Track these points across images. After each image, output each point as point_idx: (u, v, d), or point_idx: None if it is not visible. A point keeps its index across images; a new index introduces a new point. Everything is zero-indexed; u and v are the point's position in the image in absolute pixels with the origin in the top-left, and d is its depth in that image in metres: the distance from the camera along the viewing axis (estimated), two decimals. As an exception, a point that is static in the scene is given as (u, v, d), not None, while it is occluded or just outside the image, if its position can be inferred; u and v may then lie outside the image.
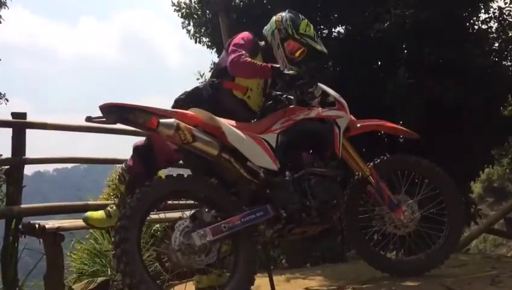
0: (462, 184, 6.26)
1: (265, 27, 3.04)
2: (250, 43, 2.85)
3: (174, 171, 2.74)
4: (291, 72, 2.73)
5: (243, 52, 2.74)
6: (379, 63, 6.59)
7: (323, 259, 7.02)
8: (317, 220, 2.67)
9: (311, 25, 3.03)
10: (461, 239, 5.83)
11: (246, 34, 2.90)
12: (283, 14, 3.02)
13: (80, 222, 3.74)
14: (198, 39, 7.58)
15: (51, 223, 3.43)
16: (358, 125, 3.04)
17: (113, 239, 2.19)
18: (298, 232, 2.74)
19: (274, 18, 3.02)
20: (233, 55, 2.74)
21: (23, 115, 4.04)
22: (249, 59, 2.72)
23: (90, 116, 2.30)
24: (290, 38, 2.94)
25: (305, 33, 2.96)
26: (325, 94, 2.97)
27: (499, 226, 9.72)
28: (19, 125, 3.97)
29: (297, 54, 2.99)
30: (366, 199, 3.10)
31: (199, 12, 7.36)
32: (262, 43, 2.99)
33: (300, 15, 3.03)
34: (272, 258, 7.60)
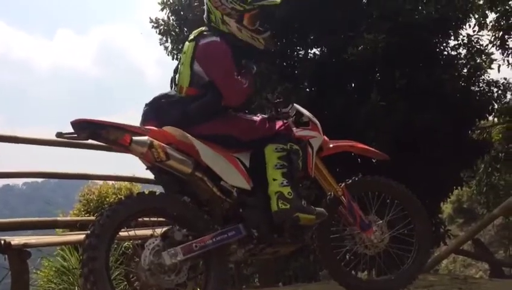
0: (432, 205, 6.40)
1: (211, 18, 2.71)
2: (232, 56, 2.63)
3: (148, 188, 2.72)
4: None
5: (242, 80, 2.63)
6: (353, 85, 6.74)
7: (296, 278, 7.02)
8: (288, 241, 2.68)
9: None
10: (430, 259, 5.92)
11: (223, 48, 2.62)
12: None
13: (47, 239, 3.66)
14: (175, 56, 7.60)
15: (17, 239, 3.33)
16: (331, 145, 3.08)
17: (81, 257, 2.15)
18: (270, 252, 2.74)
19: (211, 7, 2.70)
20: (234, 87, 2.58)
21: (-8, 128, 3.95)
22: (246, 88, 2.65)
23: (61, 132, 2.26)
24: (244, 14, 2.68)
25: None
26: (299, 114, 2.99)
27: (468, 247, 9.91)
28: (-12, 138, 3.89)
29: (256, 23, 2.74)
30: (337, 219, 3.13)
31: (177, 30, 7.40)
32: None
33: None
34: (244, 277, 7.55)
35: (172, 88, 2.81)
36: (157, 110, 2.60)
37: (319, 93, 6.37)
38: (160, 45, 7.60)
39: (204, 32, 2.72)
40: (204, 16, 2.80)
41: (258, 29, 2.75)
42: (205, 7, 2.77)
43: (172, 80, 2.83)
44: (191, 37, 2.77)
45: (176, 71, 2.83)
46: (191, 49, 2.68)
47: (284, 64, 6.97)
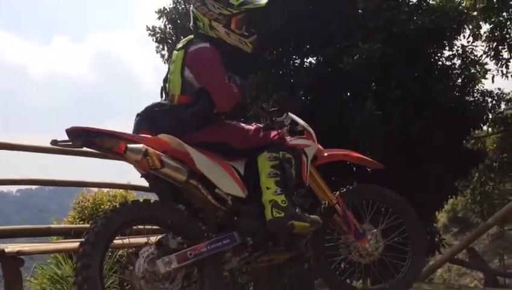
0: (427, 214, 6.41)
1: (198, 25, 2.73)
2: (222, 62, 2.67)
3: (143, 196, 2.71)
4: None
5: (232, 85, 2.66)
6: (348, 94, 6.78)
7: (291, 287, 7.00)
8: (283, 249, 2.69)
9: None
10: (425, 268, 5.93)
11: (213, 53, 2.65)
12: (198, 3, 2.73)
13: (41, 246, 3.64)
14: (172, 64, 7.61)
15: (10, 247, 3.31)
16: (326, 154, 3.09)
17: (75, 265, 2.14)
18: (265, 260, 2.74)
19: (198, 14, 2.72)
20: (226, 90, 2.61)
21: (-13, 135, 3.95)
22: (237, 92, 2.69)
23: (56, 140, 2.26)
24: (231, 18, 2.70)
25: (239, 2, 2.70)
26: (294, 123, 3.01)
27: (463, 256, 9.93)
28: (-17, 145, 3.88)
29: (243, 27, 2.76)
30: (332, 228, 3.13)
31: (174, 38, 7.44)
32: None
33: None
34: (239, 285, 7.52)
35: (163, 98, 2.82)
36: (151, 119, 2.61)
37: (315, 101, 6.40)
38: (157, 52, 7.65)
39: (194, 40, 2.75)
40: (191, 24, 2.83)
41: (244, 34, 2.77)
42: (191, 15, 2.80)
43: (162, 89, 2.84)
44: (180, 45, 2.80)
45: (165, 81, 2.83)
46: (180, 57, 2.70)
47: (280, 72, 7.01)
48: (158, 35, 7.51)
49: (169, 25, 7.49)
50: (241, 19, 2.74)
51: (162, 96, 2.83)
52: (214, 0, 2.70)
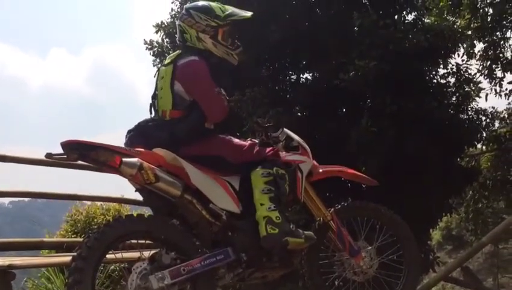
0: (421, 232, 6.40)
1: (186, 38, 2.77)
2: (211, 73, 2.68)
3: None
4: None
5: (222, 97, 2.69)
6: (344, 110, 6.81)
7: (285, 304, 6.91)
8: (277, 265, 2.67)
9: (217, 3, 2.85)
10: (419, 287, 5.90)
11: (202, 65, 2.66)
12: (185, 16, 2.78)
13: (32, 260, 3.59)
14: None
15: (1, 261, 3.27)
16: (321, 170, 3.09)
17: (66, 280, 2.11)
18: (259, 277, 2.72)
19: (185, 27, 2.76)
20: (217, 101, 2.64)
21: (-19, 146, 3.92)
22: (228, 106, 2.73)
23: (51, 153, 2.26)
24: (218, 29, 2.73)
25: (225, 14, 2.75)
26: (289, 139, 3.02)
27: (457, 274, 9.89)
28: (-24, 156, 3.85)
29: (229, 39, 2.79)
30: (327, 244, 3.12)
31: (171, 52, 7.48)
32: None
33: (199, 3, 2.83)
34: (232, 302, 7.43)
35: (152, 114, 2.81)
36: (144, 134, 2.60)
37: (310, 117, 6.43)
38: (154, 66, 7.68)
39: (182, 54, 2.76)
40: (178, 37, 2.86)
41: (230, 46, 2.79)
42: (178, 28, 2.83)
43: (151, 106, 2.83)
44: (168, 61, 2.81)
45: (153, 97, 2.82)
46: (169, 72, 2.69)
47: (276, 88, 7.05)
48: (155, 49, 7.56)
49: (167, 39, 7.54)
50: (227, 31, 2.77)
51: (151, 113, 2.83)
52: (200, 12, 2.74)
